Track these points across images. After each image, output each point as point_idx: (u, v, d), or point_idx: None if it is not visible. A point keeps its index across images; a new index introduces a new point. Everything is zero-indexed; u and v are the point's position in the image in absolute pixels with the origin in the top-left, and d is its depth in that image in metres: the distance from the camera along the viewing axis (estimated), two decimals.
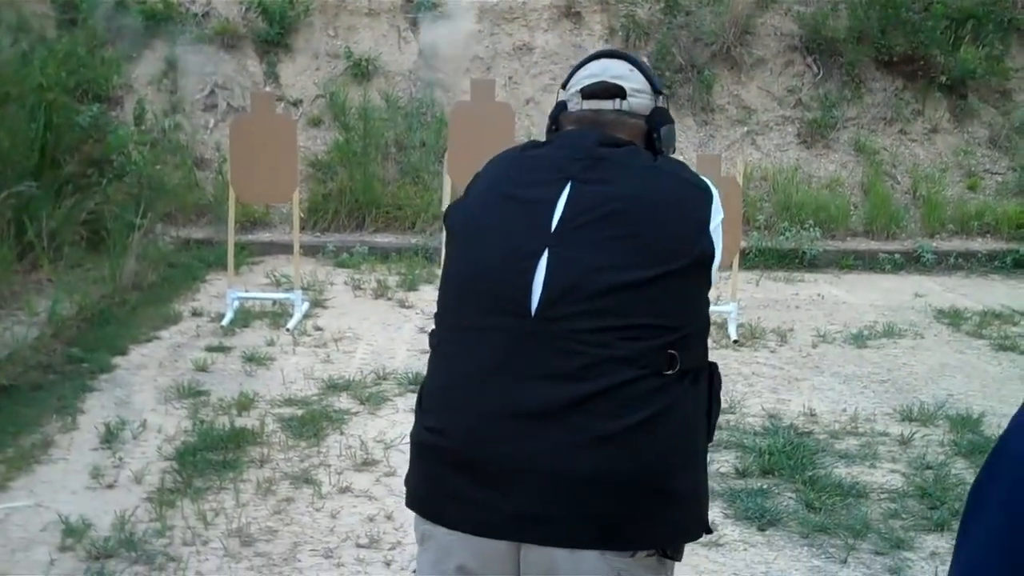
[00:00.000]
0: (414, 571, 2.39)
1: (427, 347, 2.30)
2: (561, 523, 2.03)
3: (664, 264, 2.10)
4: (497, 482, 2.05)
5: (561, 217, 2.14)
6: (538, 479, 2.03)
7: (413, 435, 2.25)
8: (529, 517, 2.04)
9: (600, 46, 11.42)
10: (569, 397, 2.03)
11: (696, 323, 2.19)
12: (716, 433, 5.67)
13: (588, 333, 2.05)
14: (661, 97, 2.38)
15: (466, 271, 2.20)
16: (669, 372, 2.08)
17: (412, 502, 2.23)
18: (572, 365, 2.04)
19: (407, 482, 2.28)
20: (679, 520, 2.14)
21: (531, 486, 2.03)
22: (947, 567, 4.19)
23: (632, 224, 2.12)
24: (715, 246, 2.18)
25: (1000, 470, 1.14)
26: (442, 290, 2.28)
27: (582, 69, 2.39)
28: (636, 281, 2.07)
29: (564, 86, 2.42)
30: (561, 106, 2.40)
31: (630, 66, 2.37)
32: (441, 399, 2.17)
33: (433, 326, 2.29)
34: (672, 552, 2.14)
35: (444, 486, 2.13)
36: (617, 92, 2.32)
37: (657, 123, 2.35)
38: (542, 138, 2.42)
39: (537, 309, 2.08)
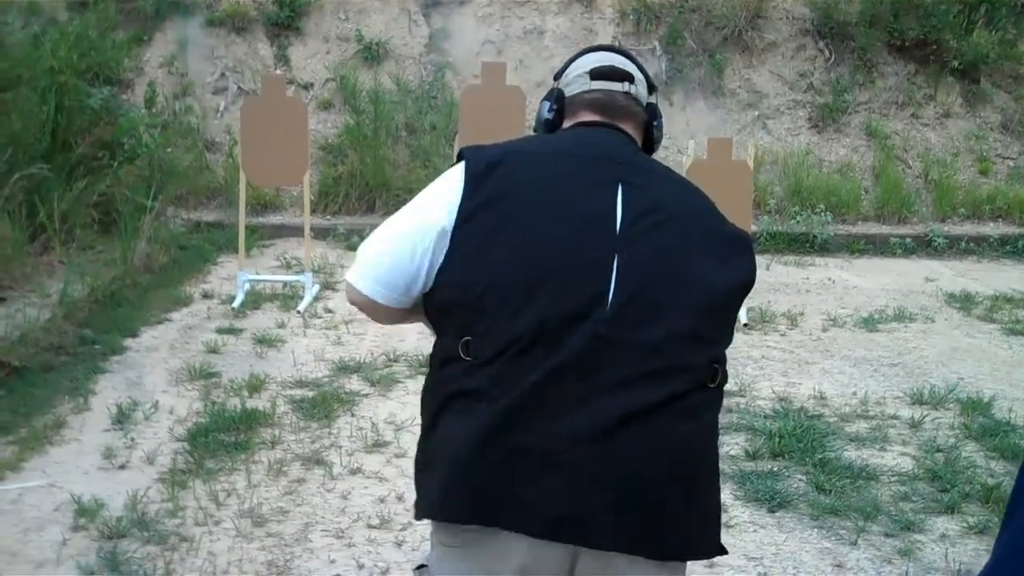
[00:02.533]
0: (419, 567, 2.32)
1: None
2: (624, 532, 2.03)
3: (719, 277, 2.13)
4: (562, 486, 2.02)
5: (622, 222, 2.10)
6: (604, 485, 2.02)
7: (458, 445, 2.08)
8: (591, 523, 2.02)
9: (611, 30, 11.42)
10: (635, 406, 2.02)
11: (731, 338, 2.21)
12: (726, 416, 5.72)
13: (654, 342, 2.04)
14: (654, 95, 2.41)
15: (520, 277, 2.06)
16: (711, 385, 2.11)
17: (453, 512, 2.10)
18: (637, 373, 2.03)
19: (435, 506, 2.14)
20: (716, 531, 2.19)
21: (595, 491, 2.02)
22: (957, 549, 4.21)
23: (685, 234, 2.14)
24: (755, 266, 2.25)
25: None
26: (482, 296, 2.08)
27: (580, 59, 2.37)
28: (697, 291, 2.09)
29: (558, 77, 2.39)
30: (559, 94, 2.35)
31: (629, 61, 2.38)
32: (500, 407, 2.03)
33: (465, 335, 2.08)
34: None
35: (501, 492, 2.04)
36: (626, 76, 2.32)
37: (654, 114, 2.38)
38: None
39: (608, 316, 2.04)
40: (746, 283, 2.21)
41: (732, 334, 2.23)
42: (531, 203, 2.11)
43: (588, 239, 2.09)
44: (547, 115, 2.35)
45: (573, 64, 2.38)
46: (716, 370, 2.11)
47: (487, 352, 2.05)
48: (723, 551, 2.22)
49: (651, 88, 2.40)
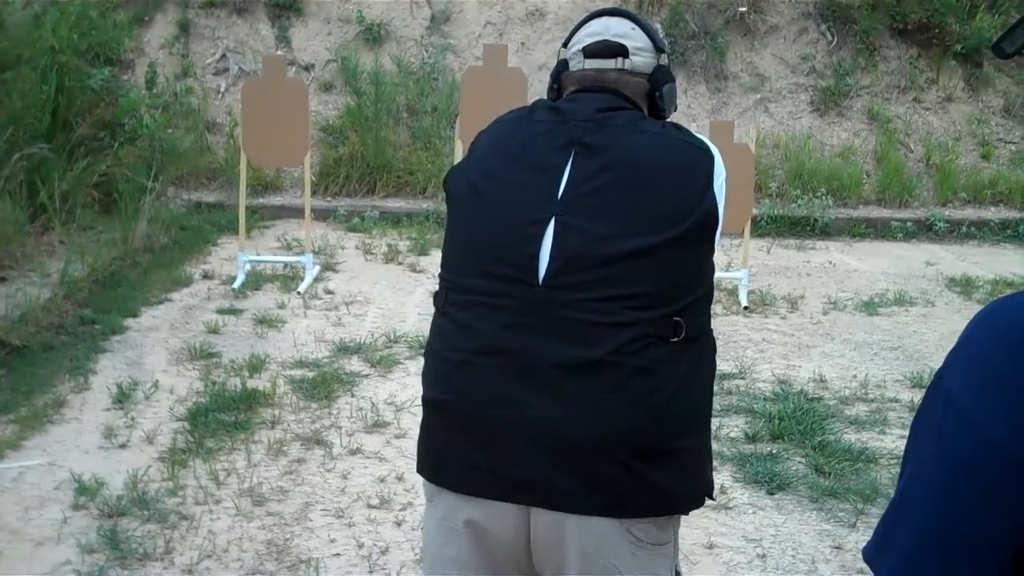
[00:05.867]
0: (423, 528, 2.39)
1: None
2: (570, 490, 2.03)
3: (668, 230, 2.08)
4: (506, 448, 2.06)
5: (567, 184, 2.13)
6: (546, 445, 2.04)
7: (421, 399, 2.26)
8: (538, 483, 2.04)
9: None
10: (576, 365, 2.03)
11: (700, 289, 2.16)
12: (727, 398, 5.70)
13: (595, 302, 2.05)
14: (663, 56, 2.35)
15: (470, 235, 2.19)
16: (675, 340, 2.08)
17: (420, 466, 2.25)
18: (579, 334, 2.04)
19: (418, 446, 2.29)
20: (683, 485, 2.14)
21: (539, 452, 2.04)
22: None
23: (636, 191, 2.11)
24: (719, 208, 2.16)
25: (933, 407, 1.15)
26: (447, 252, 2.26)
27: (584, 27, 2.35)
28: (642, 249, 2.06)
29: (566, 44, 2.38)
30: (563, 65, 2.36)
31: (632, 24, 2.33)
32: (449, 364, 2.15)
33: (438, 286, 2.26)
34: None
35: (452, 450, 2.14)
36: (620, 51, 2.28)
37: (659, 82, 2.32)
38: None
39: (544, 278, 2.07)
40: (706, 224, 2.14)
41: (704, 281, 2.18)
42: (491, 167, 2.23)
43: (527, 204, 2.14)
44: (550, 93, 2.37)
45: (578, 33, 2.36)
46: (678, 323, 2.07)
47: (439, 304, 2.22)
48: (703, 500, 2.19)
49: (659, 50, 2.33)
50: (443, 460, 2.17)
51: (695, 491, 2.17)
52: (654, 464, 2.07)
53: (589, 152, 2.15)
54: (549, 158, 2.17)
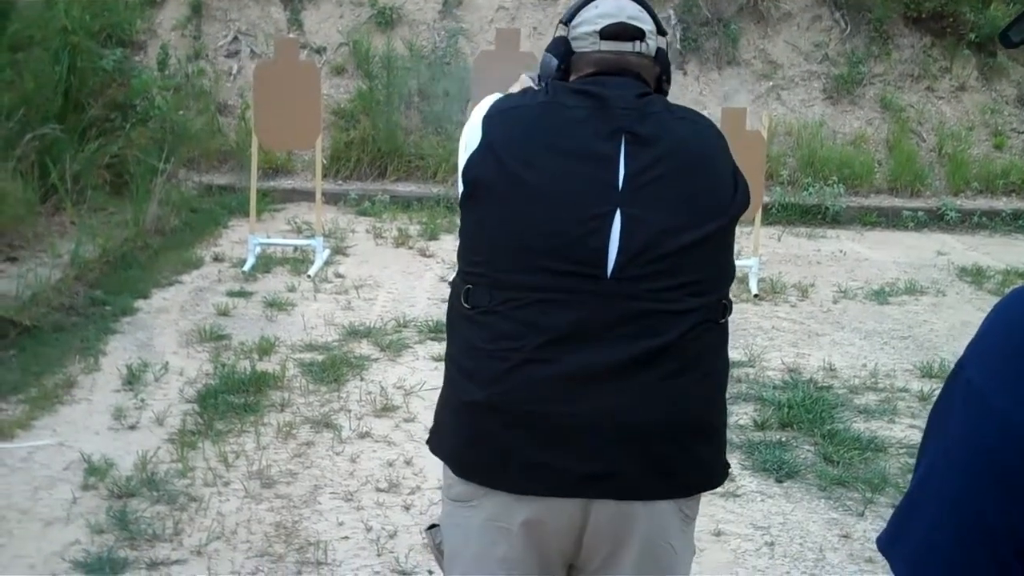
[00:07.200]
0: (430, 527, 2.35)
1: (447, 297, 2.23)
2: (639, 477, 2.05)
3: (719, 218, 2.13)
4: (575, 443, 2.04)
5: (625, 175, 2.10)
6: (615, 436, 2.03)
7: (461, 400, 2.14)
8: (606, 475, 2.04)
9: None
10: (645, 353, 2.04)
11: (735, 270, 2.26)
12: (736, 386, 5.70)
13: (662, 291, 2.06)
14: (662, 38, 2.34)
15: (515, 228, 2.09)
16: (723, 320, 2.16)
17: (464, 469, 2.14)
18: (648, 323, 2.05)
19: (444, 448, 2.20)
20: (719, 460, 2.22)
21: (607, 443, 2.03)
22: None
23: (687, 181, 2.13)
24: (749, 190, 2.23)
25: (953, 395, 1.14)
26: (479, 246, 2.15)
27: (589, 7, 2.28)
28: (700, 239, 2.09)
29: (566, 22, 2.31)
30: (565, 43, 2.29)
31: (639, 6, 2.30)
32: (507, 363, 2.06)
33: (467, 283, 2.14)
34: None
35: (510, 451, 2.06)
36: (637, 34, 2.25)
37: (665, 64, 2.32)
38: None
39: (613, 271, 2.05)
40: (744, 208, 2.21)
41: (734, 261, 2.26)
42: (531, 155, 2.13)
43: (584, 194, 2.09)
44: (556, 74, 2.30)
45: (583, 12, 2.29)
46: (725, 306, 2.16)
47: (483, 303, 2.10)
48: (727, 473, 2.26)
49: (661, 32, 2.33)
50: (498, 461, 2.08)
51: (725, 464, 2.24)
52: (703, 443, 2.14)
53: (639, 141, 2.12)
54: (598, 147, 2.12)
